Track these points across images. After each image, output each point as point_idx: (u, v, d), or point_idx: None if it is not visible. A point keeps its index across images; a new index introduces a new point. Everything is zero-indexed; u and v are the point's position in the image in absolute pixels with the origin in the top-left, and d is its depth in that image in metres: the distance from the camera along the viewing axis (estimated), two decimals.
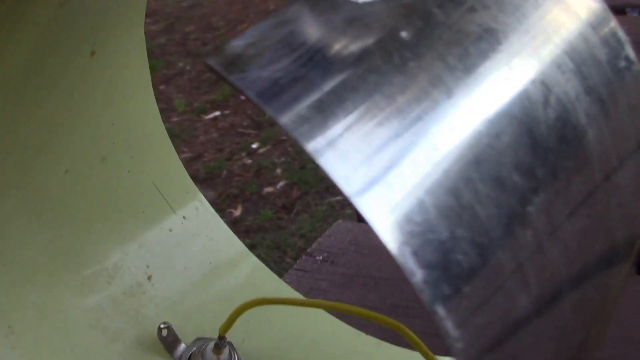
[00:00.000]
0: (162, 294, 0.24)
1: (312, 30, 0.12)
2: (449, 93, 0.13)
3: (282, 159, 2.19)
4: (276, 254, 1.36)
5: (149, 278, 0.25)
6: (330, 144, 0.11)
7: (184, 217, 0.26)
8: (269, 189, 1.91)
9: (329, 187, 1.91)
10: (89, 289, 0.23)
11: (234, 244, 0.26)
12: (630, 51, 0.16)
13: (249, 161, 2.09)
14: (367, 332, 0.25)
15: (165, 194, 0.26)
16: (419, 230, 0.11)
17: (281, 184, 1.96)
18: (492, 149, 0.12)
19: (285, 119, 0.11)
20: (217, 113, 2.02)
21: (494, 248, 0.11)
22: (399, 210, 0.11)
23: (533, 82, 0.14)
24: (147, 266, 0.25)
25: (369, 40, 0.12)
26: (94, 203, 0.24)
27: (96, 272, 0.24)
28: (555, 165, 0.13)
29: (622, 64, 0.16)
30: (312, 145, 0.11)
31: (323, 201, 1.84)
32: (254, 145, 2.21)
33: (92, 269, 0.24)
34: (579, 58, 0.15)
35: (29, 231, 0.22)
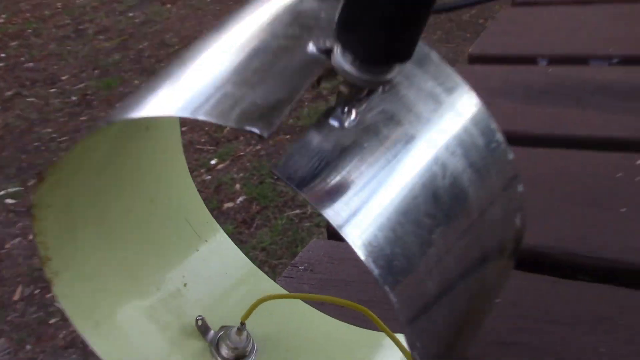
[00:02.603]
0: (195, 296, 0.34)
1: (320, 144, 0.22)
2: (387, 170, 0.23)
3: (241, 175, 2.27)
4: None
5: (185, 285, 0.35)
6: (326, 199, 0.21)
7: (205, 241, 0.36)
8: (228, 204, 1.99)
9: (287, 201, 2.00)
10: (145, 294, 0.33)
11: (242, 259, 0.37)
12: (499, 135, 0.27)
13: (208, 177, 2.16)
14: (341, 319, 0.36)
15: (193, 225, 0.36)
16: (374, 249, 0.21)
17: (241, 199, 2.04)
18: (413, 204, 0.23)
19: (305, 192, 0.21)
20: None
21: (414, 258, 0.22)
22: (364, 238, 0.21)
23: (436, 163, 0.24)
24: (183, 276, 0.35)
25: (347, 143, 0.23)
26: (147, 233, 0.34)
27: (150, 282, 0.34)
28: (449, 211, 0.24)
29: (493, 145, 0.27)
30: (316, 203, 0.21)
31: (282, 215, 1.92)
32: (213, 162, 2.27)
33: (147, 279, 0.33)
34: (465, 145, 0.26)
35: (108, 254, 0.32)
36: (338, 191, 0.21)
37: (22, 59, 3.87)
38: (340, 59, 0.21)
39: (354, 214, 0.21)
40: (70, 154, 0.25)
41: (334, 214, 0.21)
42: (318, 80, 0.23)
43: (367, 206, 0.21)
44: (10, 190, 2.50)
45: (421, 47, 0.26)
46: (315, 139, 0.22)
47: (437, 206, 0.23)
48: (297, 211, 1.88)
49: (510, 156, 0.27)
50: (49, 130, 2.88)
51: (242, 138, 2.40)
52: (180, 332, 0.33)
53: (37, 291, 1.93)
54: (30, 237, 2.18)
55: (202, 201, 0.36)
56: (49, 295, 1.88)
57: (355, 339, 0.34)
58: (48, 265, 0.29)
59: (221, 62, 0.23)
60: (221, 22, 0.26)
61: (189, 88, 0.22)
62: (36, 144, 2.79)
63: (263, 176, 2.15)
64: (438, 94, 0.25)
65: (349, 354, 0.33)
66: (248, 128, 0.19)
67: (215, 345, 0.33)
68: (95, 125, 0.24)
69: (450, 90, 0.26)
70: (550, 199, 0.42)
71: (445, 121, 0.25)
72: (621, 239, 0.38)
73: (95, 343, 0.31)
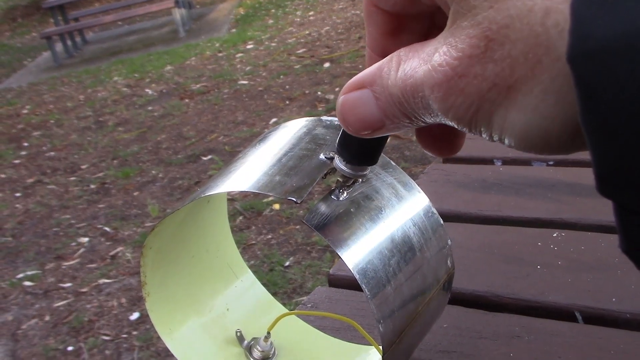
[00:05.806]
0: (235, 316, 0.50)
1: (325, 209, 0.38)
2: (365, 224, 0.39)
3: (252, 262, 2.40)
4: None
5: (228, 309, 0.50)
6: (330, 236, 0.38)
7: (241, 280, 0.52)
8: None
9: (295, 288, 2.13)
10: (202, 313, 0.49)
11: (264, 292, 0.53)
12: (434, 209, 0.43)
13: None
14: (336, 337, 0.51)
15: (232, 268, 0.52)
16: (364, 271, 0.37)
17: None
18: (379, 244, 0.39)
19: (318, 232, 0.38)
20: None
21: (382, 277, 0.38)
22: (359, 265, 0.37)
23: (393, 221, 0.41)
24: (226, 303, 0.50)
25: (341, 210, 0.39)
26: (203, 272, 0.50)
27: (204, 305, 0.49)
28: (400, 248, 0.40)
29: (430, 214, 0.43)
30: (329, 240, 0.37)
31: (291, 301, 2.05)
32: None
33: (203, 303, 0.49)
34: (411, 213, 0.42)
35: (179, 283, 0.48)
36: (337, 234, 0.38)
37: (44, 148, 4.09)
38: (338, 162, 0.37)
39: (347, 247, 0.37)
40: (173, 214, 0.42)
41: (336, 245, 0.37)
42: (325, 175, 0.39)
43: (355, 244, 0.38)
44: (29, 273, 2.63)
45: (384, 158, 0.43)
46: (323, 206, 0.38)
47: (394, 245, 0.39)
48: (304, 298, 1.99)
49: (441, 221, 0.43)
50: (68, 216, 3.03)
51: (253, 227, 2.55)
52: (224, 340, 0.48)
53: None
54: (46, 318, 2.30)
55: (238, 252, 0.53)
56: None
57: (345, 349, 0.49)
58: (144, 288, 0.45)
59: (270, 162, 0.40)
60: (265, 136, 0.43)
61: (252, 175, 0.39)
62: (55, 229, 2.94)
63: (273, 264, 2.28)
64: (395, 184, 0.42)
65: (341, 357, 0.48)
66: (289, 197, 0.36)
67: (249, 350, 0.48)
68: (195, 196, 0.41)
69: (402, 182, 0.43)
70: (489, 259, 0.58)
71: (399, 199, 0.42)
72: (536, 286, 0.53)
73: (169, 343, 0.46)
